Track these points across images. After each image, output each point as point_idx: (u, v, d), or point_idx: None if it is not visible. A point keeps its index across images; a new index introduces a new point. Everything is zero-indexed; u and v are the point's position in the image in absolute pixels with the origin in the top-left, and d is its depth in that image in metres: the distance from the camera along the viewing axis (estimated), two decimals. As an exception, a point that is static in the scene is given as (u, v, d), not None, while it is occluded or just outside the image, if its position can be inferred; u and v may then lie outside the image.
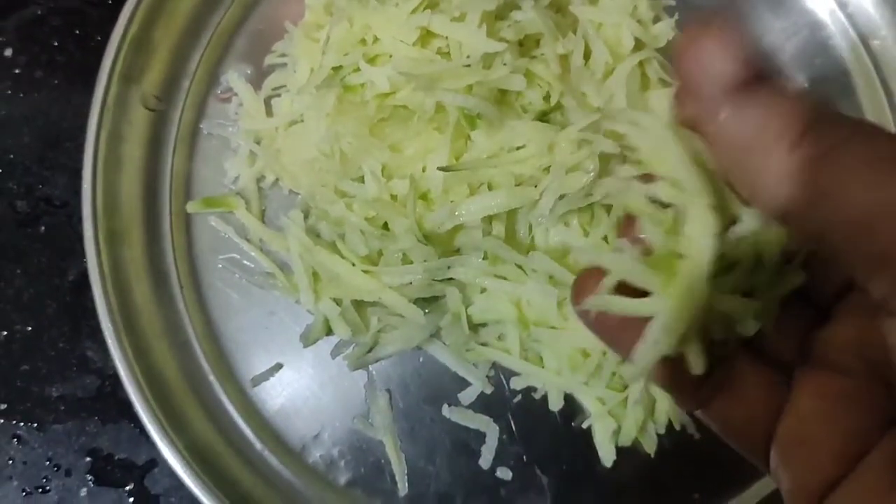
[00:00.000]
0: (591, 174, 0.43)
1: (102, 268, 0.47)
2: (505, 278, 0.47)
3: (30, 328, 0.52)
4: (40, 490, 0.50)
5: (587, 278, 0.28)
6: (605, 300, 0.27)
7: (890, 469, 0.23)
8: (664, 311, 0.26)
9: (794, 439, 0.26)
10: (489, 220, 0.45)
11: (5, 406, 0.51)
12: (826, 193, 0.21)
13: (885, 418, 0.24)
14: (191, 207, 0.51)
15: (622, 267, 0.27)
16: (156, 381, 0.47)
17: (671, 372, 0.27)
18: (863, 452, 0.24)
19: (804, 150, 0.22)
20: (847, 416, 0.25)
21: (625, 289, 0.27)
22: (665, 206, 0.28)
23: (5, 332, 0.52)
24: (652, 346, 0.26)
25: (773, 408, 0.27)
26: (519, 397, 0.49)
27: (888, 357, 0.24)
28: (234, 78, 0.53)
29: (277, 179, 0.52)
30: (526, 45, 0.47)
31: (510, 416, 0.49)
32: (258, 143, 0.52)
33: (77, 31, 0.57)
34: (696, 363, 0.26)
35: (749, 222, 0.26)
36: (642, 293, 0.27)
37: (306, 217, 0.50)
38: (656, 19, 0.51)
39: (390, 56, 0.45)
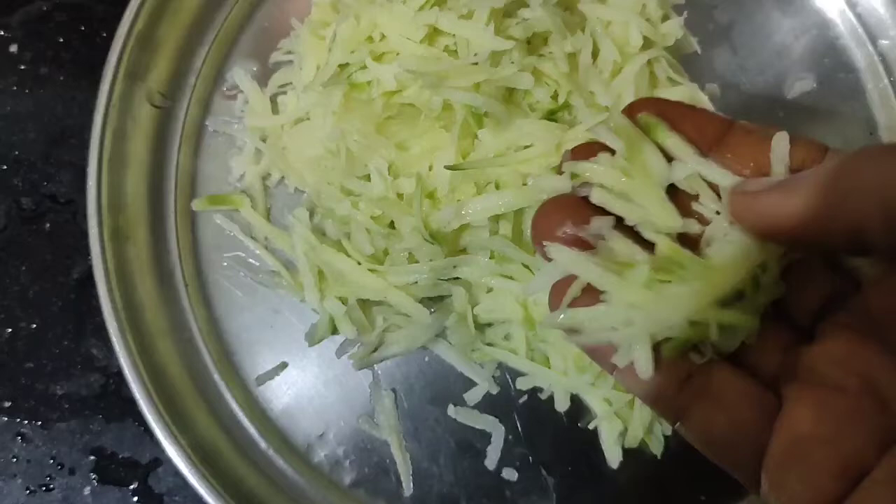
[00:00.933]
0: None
1: (107, 265, 0.47)
2: (511, 278, 0.46)
3: (34, 326, 0.52)
4: (44, 488, 0.50)
5: (563, 285, 0.29)
6: (573, 314, 0.28)
7: (893, 488, 0.23)
8: (639, 318, 0.27)
9: (790, 458, 0.25)
10: (496, 219, 0.45)
11: (10, 404, 0.51)
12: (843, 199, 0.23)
13: (882, 437, 0.24)
14: (196, 205, 0.51)
15: (587, 271, 0.28)
16: (160, 379, 0.47)
17: (646, 380, 0.28)
18: (863, 472, 0.24)
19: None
20: (846, 436, 0.25)
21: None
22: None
23: (10, 330, 0.52)
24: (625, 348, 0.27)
25: (759, 420, 0.27)
26: (525, 398, 0.48)
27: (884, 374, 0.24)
28: (240, 75, 0.53)
29: (283, 177, 0.52)
30: (534, 44, 0.46)
31: (516, 417, 0.48)
32: (264, 140, 0.51)
33: (82, 28, 0.57)
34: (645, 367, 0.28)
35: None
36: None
37: (312, 215, 0.49)
38: (665, 18, 0.51)
39: (397, 54, 0.45)
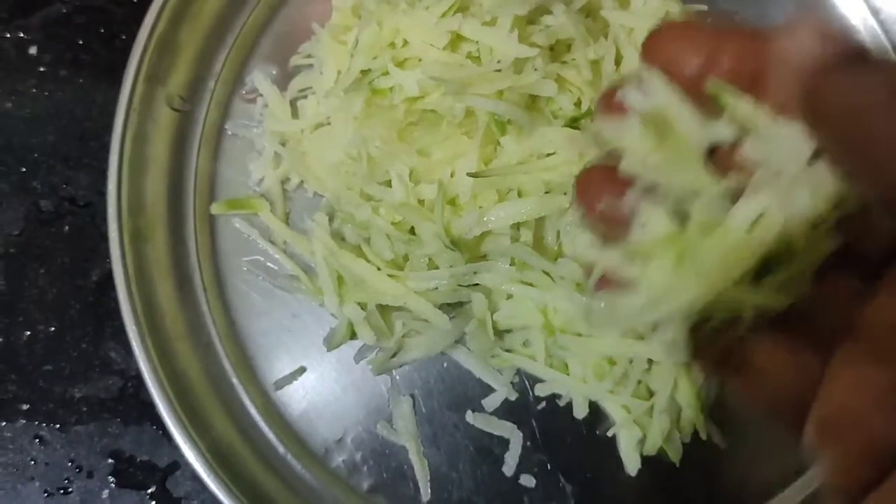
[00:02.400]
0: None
1: (126, 268, 0.47)
2: (532, 285, 0.46)
3: (53, 328, 0.52)
4: (62, 491, 0.50)
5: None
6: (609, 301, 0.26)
7: None
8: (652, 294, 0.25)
9: (829, 427, 0.23)
10: (517, 226, 0.45)
11: (28, 406, 0.51)
12: None
13: None
14: (215, 209, 0.51)
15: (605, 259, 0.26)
16: (178, 382, 0.47)
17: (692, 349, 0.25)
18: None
19: None
20: (885, 414, 0.22)
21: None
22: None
23: (28, 333, 0.52)
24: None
25: (806, 387, 0.24)
26: (543, 404, 0.48)
27: None
28: (260, 79, 0.53)
29: (302, 181, 0.52)
30: (557, 51, 0.46)
31: (534, 423, 0.48)
32: (283, 144, 0.51)
33: (102, 30, 0.57)
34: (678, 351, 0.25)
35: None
36: None
37: (331, 220, 0.49)
38: (687, 24, 0.51)
39: (420, 60, 0.45)
